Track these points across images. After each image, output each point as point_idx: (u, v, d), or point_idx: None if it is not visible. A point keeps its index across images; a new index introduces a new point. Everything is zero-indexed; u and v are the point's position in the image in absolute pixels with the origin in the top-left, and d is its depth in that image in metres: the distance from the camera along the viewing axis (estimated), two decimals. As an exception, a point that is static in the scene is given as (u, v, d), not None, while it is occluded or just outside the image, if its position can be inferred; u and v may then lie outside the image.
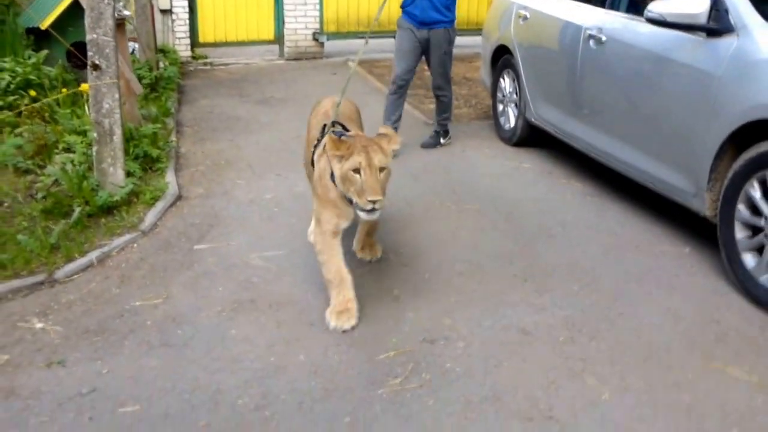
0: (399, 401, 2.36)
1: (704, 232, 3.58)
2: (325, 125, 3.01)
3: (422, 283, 3.16)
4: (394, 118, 5.03)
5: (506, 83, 5.40)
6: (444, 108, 5.23)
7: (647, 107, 3.62)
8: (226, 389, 2.42)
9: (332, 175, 2.73)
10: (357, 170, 2.62)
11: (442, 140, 5.27)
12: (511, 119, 5.34)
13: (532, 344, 2.69)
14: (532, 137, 5.17)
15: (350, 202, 2.70)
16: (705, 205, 3.25)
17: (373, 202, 2.59)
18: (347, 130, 2.92)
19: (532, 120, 4.97)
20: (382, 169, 2.66)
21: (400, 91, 5.01)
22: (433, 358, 2.60)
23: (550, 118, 4.69)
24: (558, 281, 3.18)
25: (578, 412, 2.31)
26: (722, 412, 2.31)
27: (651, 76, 3.58)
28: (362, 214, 2.68)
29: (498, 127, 5.56)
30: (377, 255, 3.36)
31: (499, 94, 5.53)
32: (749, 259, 3.00)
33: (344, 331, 2.75)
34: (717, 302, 3.00)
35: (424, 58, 5.05)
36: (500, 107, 5.52)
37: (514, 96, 5.26)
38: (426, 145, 5.22)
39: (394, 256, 3.42)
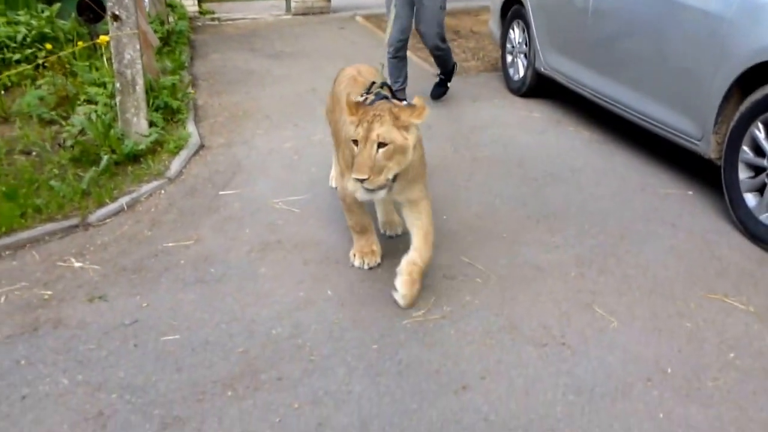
0: (422, 330, 2.51)
1: (706, 176, 3.72)
2: (373, 83, 2.79)
3: (441, 224, 3.28)
4: (401, 79, 4.94)
5: (516, 34, 5.44)
6: (444, 61, 5.09)
7: (658, 53, 3.68)
8: (260, 320, 2.57)
9: None
10: (356, 141, 2.39)
11: (449, 84, 5.26)
12: (520, 70, 5.40)
13: (546, 279, 2.85)
14: (541, 87, 5.23)
15: None
16: (710, 147, 3.36)
17: (361, 181, 2.34)
18: (395, 96, 2.69)
19: (542, 70, 5.04)
20: (383, 145, 2.36)
21: (400, 53, 4.87)
22: (453, 293, 2.75)
23: (560, 67, 4.76)
24: (569, 222, 3.32)
25: (589, 338, 2.47)
26: (721, 338, 2.47)
27: (662, 21, 3.63)
28: (356, 192, 2.47)
29: (507, 78, 5.62)
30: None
31: (509, 45, 5.57)
32: (751, 199, 3.14)
33: (370, 268, 2.90)
34: (718, 240, 3.15)
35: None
36: (509, 58, 5.57)
37: (524, 47, 5.31)
38: (436, 95, 5.22)
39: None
